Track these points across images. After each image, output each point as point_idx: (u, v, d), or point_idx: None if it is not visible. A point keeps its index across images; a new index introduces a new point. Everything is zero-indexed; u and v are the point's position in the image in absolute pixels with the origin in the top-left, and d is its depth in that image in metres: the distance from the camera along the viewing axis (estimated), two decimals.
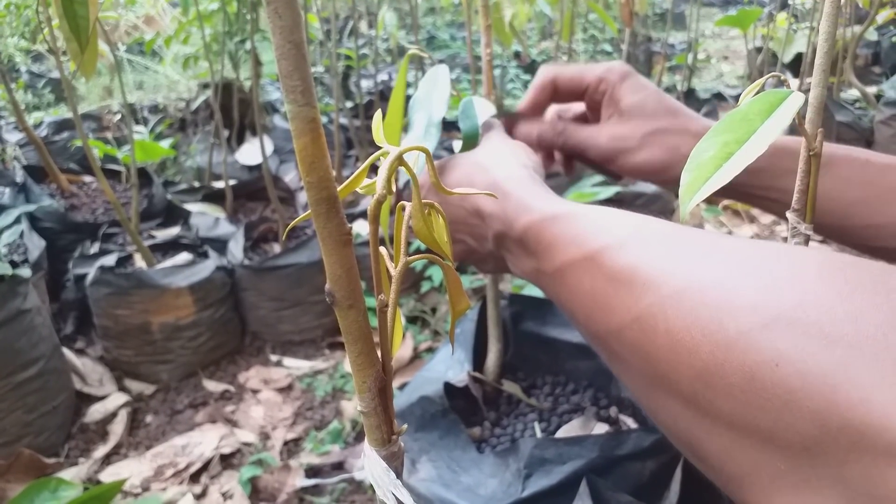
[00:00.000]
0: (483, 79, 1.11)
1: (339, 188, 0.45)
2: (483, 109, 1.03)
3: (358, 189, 0.51)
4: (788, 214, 0.75)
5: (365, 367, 0.45)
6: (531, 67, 4.75)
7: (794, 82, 3.37)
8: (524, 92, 3.99)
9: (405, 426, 0.49)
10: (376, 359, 0.45)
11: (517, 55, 4.70)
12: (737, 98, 3.64)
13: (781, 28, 3.43)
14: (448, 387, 1.20)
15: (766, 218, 2.62)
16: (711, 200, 2.79)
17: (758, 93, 0.72)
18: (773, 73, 0.76)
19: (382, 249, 0.50)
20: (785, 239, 1.79)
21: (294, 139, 0.39)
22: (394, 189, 0.49)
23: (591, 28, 4.64)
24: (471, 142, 1.01)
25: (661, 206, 2.62)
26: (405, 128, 1.05)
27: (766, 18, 3.61)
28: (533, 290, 1.97)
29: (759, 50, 3.61)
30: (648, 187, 2.59)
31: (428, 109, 0.98)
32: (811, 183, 0.74)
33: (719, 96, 3.39)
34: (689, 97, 3.33)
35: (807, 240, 0.76)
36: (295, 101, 0.38)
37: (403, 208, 0.50)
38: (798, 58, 3.35)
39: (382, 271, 0.50)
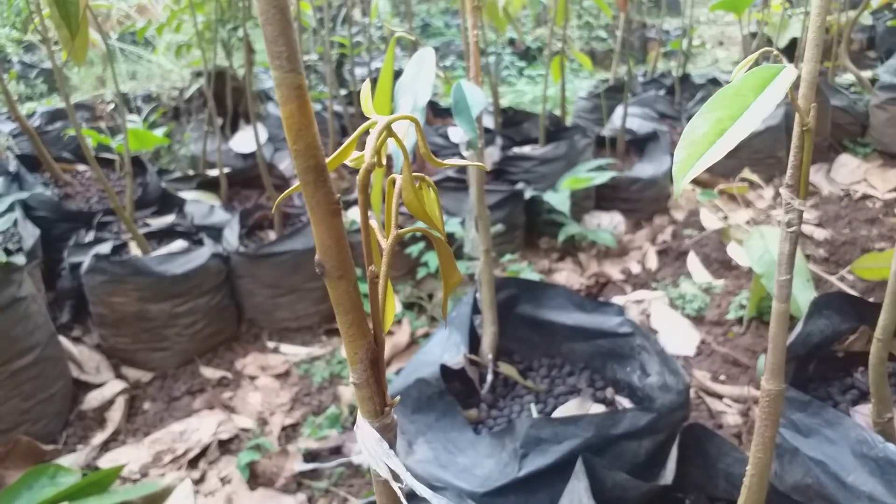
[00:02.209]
0: (471, 62, 1.11)
1: (328, 159, 0.45)
2: (475, 98, 1.03)
3: (348, 162, 0.50)
4: (782, 190, 0.75)
5: (356, 339, 0.45)
6: (526, 54, 4.73)
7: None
8: (519, 79, 4.00)
9: (398, 398, 0.49)
10: (367, 330, 0.45)
11: (512, 42, 4.69)
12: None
13: (776, 13, 3.42)
14: (444, 369, 1.20)
15: (762, 202, 2.63)
16: (708, 184, 2.79)
17: (750, 69, 0.72)
18: (766, 49, 0.76)
19: (373, 222, 0.50)
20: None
21: (280, 106, 0.39)
22: (384, 161, 0.49)
23: (585, 14, 4.62)
24: (473, 145, 1.01)
25: (657, 191, 2.61)
26: (392, 112, 1.05)
27: (761, 3, 3.60)
28: (529, 274, 1.97)
29: (753, 35, 3.60)
30: (644, 172, 2.59)
31: (413, 93, 0.98)
32: (804, 158, 0.74)
33: (714, 82, 3.38)
34: (685, 83, 3.32)
35: (800, 215, 0.76)
36: (280, 66, 0.38)
37: (394, 182, 0.50)
38: (793, 43, 3.33)
39: (373, 243, 0.50)
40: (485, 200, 1.22)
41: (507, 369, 1.27)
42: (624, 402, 1.21)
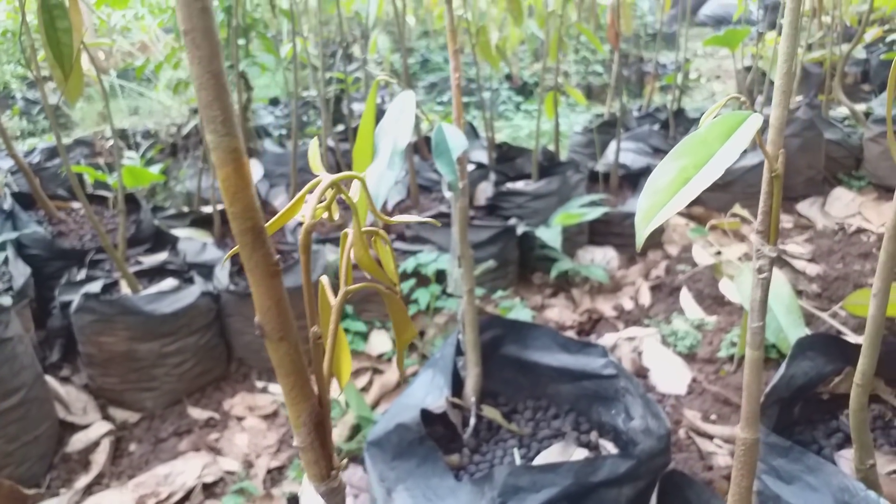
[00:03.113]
0: (453, 104, 1.11)
1: (270, 220, 0.44)
2: (455, 141, 1.03)
3: (300, 217, 0.50)
4: (752, 236, 0.74)
5: (299, 402, 0.44)
6: (523, 89, 4.77)
7: None
8: (516, 114, 4.02)
9: (345, 461, 0.48)
10: (311, 392, 0.45)
11: (509, 77, 4.73)
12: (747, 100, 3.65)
13: (770, 47, 3.44)
14: (426, 413, 1.19)
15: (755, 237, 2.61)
16: (702, 218, 2.79)
17: (717, 115, 0.72)
18: (733, 95, 0.76)
19: (325, 279, 0.50)
20: (778, 257, 1.78)
21: (217, 169, 0.39)
22: (336, 217, 0.49)
23: (582, 49, 4.67)
24: (454, 187, 1.01)
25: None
26: (374, 154, 1.05)
27: (756, 37, 3.64)
28: (520, 311, 1.96)
29: (748, 69, 3.63)
30: (637, 208, 2.59)
31: (394, 136, 0.98)
32: (774, 204, 0.74)
33: None
34: (679, 117, 3.34)
35: (771, 262, 0.75)
36: (216, 130, 0.37)
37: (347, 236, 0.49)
38: None
39: (322, 302, 0.50)
40: (468, 240, 1.21)
41: (490, 412, 1.25)
42: (608, 446, 1.20)
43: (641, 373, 1.87)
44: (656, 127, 3.37)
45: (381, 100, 4.24)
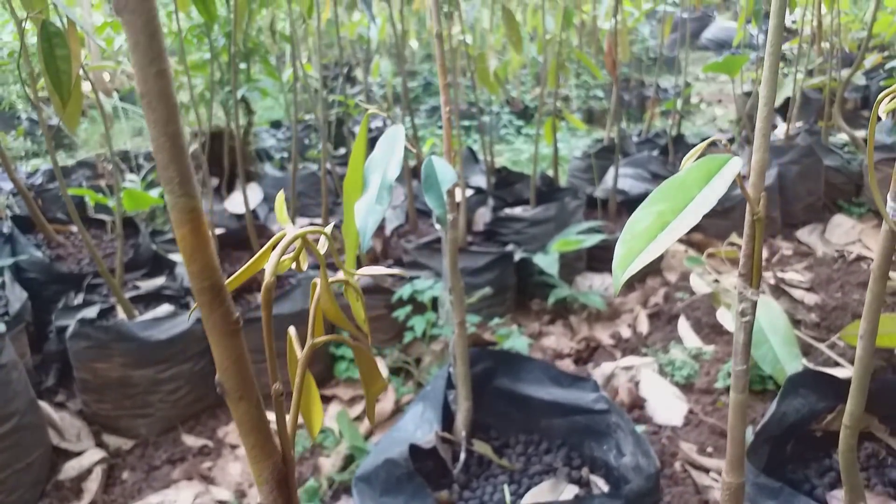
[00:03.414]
0: (443, 137, 1.11)
1: (231, 277, 0.44)
2: (445, 174, 1.03)
3: (267, 268, 0.50)
4: (735, 280, 0.73)
5: (261, 460, 0.44)
6: (524, 113, 4.78)
7: (781, 126, 3.39)
8: (517, 138, 4.02)
9: None
10: (273, 449, 0.44)
11: (510, 101, 4.75)
12: (728, 142, 3.65)
13: None
14: (415, 448, 1.18)
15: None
16: (702, 245, 2.78)
17: (699, 157, 0.71)
18: (714, 138, 0.76)
19: (292, 330, 0.50)
20: (776, 286, 1.75)
21: (174, 229, 0.39)
22: (304, 267, 0.48)
23: (584, 73, 4.69)
24: (442, 221, 1.01)
25: None
26: (364, 187, 1.05)
27: (756, 63, 3.65)
28: (517, 339, 1.95)
29: (748, 94, 3.64)
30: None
31: (383, 170, 0.98)
32: (756, 247, 0.73)
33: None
34: (679, 143, 3.34)
35: (754, 305, 0.75)
36: (173, 191, 0.37)
37: (316, 287, 0.49)
38: (787, 102, 3.36)
39: (290, 354, 0.49)
40: (459, 270, 1.21)
41: (481, 447, 1.24)
42: (599, 483, 1.18)
43: (638, 403, 1.85)
44: (656, 153, 3.37)
45: (382, 122, 4.26)
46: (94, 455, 1.76)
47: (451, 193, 1.16)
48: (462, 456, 1.22)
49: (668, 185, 0.67)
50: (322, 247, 0.47)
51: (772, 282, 2.21)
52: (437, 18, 1.12)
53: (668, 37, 4.59)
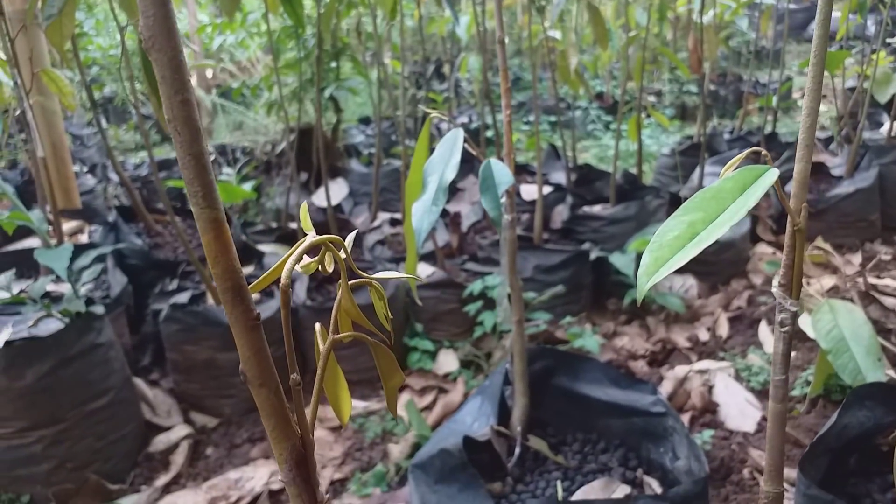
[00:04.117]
0: (504, 140, 1.14)
1: (258, 279, 0.49)
2: (501, 176, 1.06)
3: (299, 268, 0.54)
4: (774, 290, 0.73)
5: (281, 441, 0.48)
6: (614, 108, 4.71)
7: (887, 124, 3.21)
8: (605, 133, 3.97)
9: (328, 496, 0.52)
10: (292, 433, 0.49)
11: (599, 96, 4.69)
12: (826, 141, 3.49)
13: (880, 67, 3.27)
14: (470, 440, 1.21)
15: (849, 268, 2.50)
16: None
17: (738, 167, 0.71)
18: (754, 149, 0.75)
19: (318, 326, 0.54)
20: (866, 292, 1.71)
21: (201, 235, 0.43)
22: (329, 269, 0.53)
23: (677, 68, 4.57)
24: (497, 223, 1.04)
25: (735, 254, 2.54)
26: (423, 188, 1.09)
27: (862, 57, 3.46)
28: (588, 339, 1.95)
29: (852, 90, 3.46)
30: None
31: (441, 172, 1.02)
32: (797, 258, 0.73)
33: None
34: (771, 141, 3.22)
35: (794, 316, 0.74)
36: (197, 203, 0.42)
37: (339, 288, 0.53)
38: (894, 99, 3.17)
39: (316, 350, 0.54)
40: (517, 271, 1.23)
41: (536, 443, 1.26)
42: (653, 484, 1.19)
43: (710, 407, 1.82)
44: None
45: (469, 119, 4.29)
46: (181, 431, 1.89)
47: (509, 194, 1.19)
48: (517, 450, 1.25)
49: (702, 195, 0.67)
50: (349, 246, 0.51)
51: (862, 288, 2.11)
52: (499, 24, 1.15)
53: (773, 28, 4.42)
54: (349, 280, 0.51)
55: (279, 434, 0.48)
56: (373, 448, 1.82)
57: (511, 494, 1.20)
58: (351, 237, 0.52)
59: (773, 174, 0.65)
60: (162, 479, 1.75)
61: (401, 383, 0.55)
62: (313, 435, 0.52)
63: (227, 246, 0.42)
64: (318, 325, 0.53)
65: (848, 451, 1.06)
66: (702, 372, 1.97)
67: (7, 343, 1.59)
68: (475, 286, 2.00)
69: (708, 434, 1.67)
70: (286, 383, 0.49)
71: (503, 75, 1.13)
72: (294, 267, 0.45)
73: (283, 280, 0.44)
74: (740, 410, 1.77)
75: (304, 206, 0.52)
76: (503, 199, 1.14)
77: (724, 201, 0.65)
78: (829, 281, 2.40)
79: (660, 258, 0.63)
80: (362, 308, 0.53)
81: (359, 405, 1.99)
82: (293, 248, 0.48)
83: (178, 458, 1.81)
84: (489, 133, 3.31)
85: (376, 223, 2.60)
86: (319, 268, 0.51)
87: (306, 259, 0.53)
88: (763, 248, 2.72)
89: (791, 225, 0.71)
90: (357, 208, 2.96)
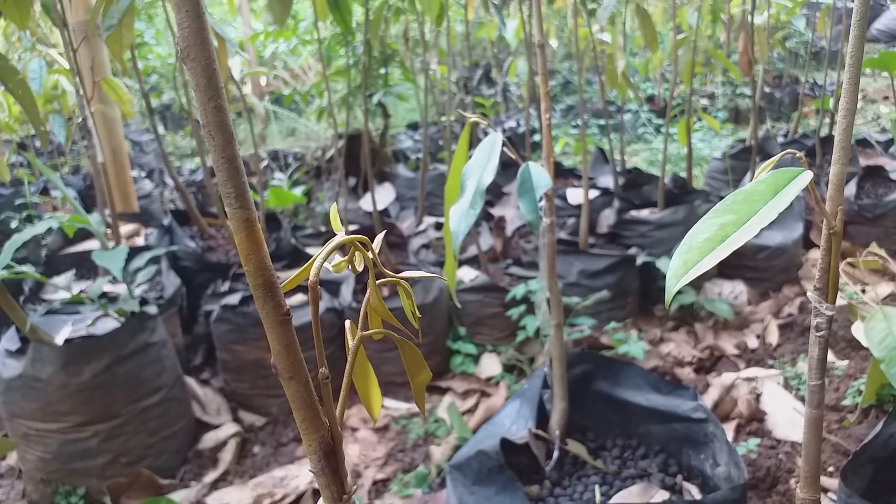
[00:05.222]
0: (543, 144, 1.14)
1: (289, 278, 0.51)
2: (540, 181, 1.07)
3: (328, 266, 0.56)
4: (809, 294, 0.72)
5: (310, 432, 0.50)
6: (665, 111, 4.65)
7: None
8: (656, 137, 3.93)
9: (355, 487, 0.53)
10: (321, 424, 0.50)
11: (651, 99, 4.64)
12: (885, 144, 3.38)
13: None
14: (508, 442, 1.22)
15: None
16: (847, 253, 2.61)
17: (774, 169, 0.71)
18: (788, 151, 0.74)
19: (347, 323, 0.56)
20: None
21: (234, 234, 0.46)
22: (359, 268, 0.54)
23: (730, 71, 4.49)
24: (535, 227, 1.05)
25: (786, 260, 2.48)
26: (462, 191, 1.10)
27: None
28: (633, 345, 1.94)
29: None
30: (772, 240, 2.47)
31: (478, 176, 1.03)
32: (832, 261, 0.72)
33: (863, 143, 3.16)
34: (827, 144, 3.13)
35: (829, 319, 0.73)
36: (230, 204, 0.44)
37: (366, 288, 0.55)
38: None
39: (346, 346, 0.56)
40: (556, 275, 1.24)
41: (575, 447, 1.26)
42: (693, 491, 1.17)
43: (757, 416, 1.79)
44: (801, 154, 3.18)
45: (516, 123, 4.29)
46: (230, 429, 1.94)
47: (549, 198, 1.19)
48: (555, 454, 1.25)
49: (734, 197, 0.67)
50: (377, 246, 0.52)
51: None
52: (539, 28, 1.16)
53: (833, 28, 4.30)
54: (377, 279, 0.53)
55: (308, 425, 0.50)
56: (415, 450, 1.84)
57: (549, 498, 1.20)
58: (379, 238, 0.54)
59: (806, 176, 0.65)
60: (210, 476, 1.80)
61: (428, 380, 0.57)
62: (342, 428, 0.54)
63: (258, 244, 0.44)
64: (347, 322, 0.55)
65: (894, 462, 1.03)
66: (749, 380, 1.93)
67: (66, 341, 1.66)
68: (518, 290, 2.01)
69: (754, 442, 1.64)
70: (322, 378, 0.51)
71: (543, 79, 1.14)
72: (322, 265, 0.47)
73: (311, 278, 0.46)
74: (788, 419, 1.74)
75: (333, 207, 0.54)
76: (541, 203, 1.15)
77: (756, 203, 0.65)
78: (885, 288, 2.33)
79: (689, 261, 0.63)
80: (398, 309, 0.55)
81: (402, 406, 2.01)
82: (328, 243, 0.50)
83: (227, 456, 1.86)
84: (536, 137, 3.30)
85: (422, 227, 2.63)
86: (350, 267, 0.53)
87: (337, 258, 0.54)
88: (817, 254, 2.65)
89: (826, 228, 0.70)
90: (403, 212, 2.99)
